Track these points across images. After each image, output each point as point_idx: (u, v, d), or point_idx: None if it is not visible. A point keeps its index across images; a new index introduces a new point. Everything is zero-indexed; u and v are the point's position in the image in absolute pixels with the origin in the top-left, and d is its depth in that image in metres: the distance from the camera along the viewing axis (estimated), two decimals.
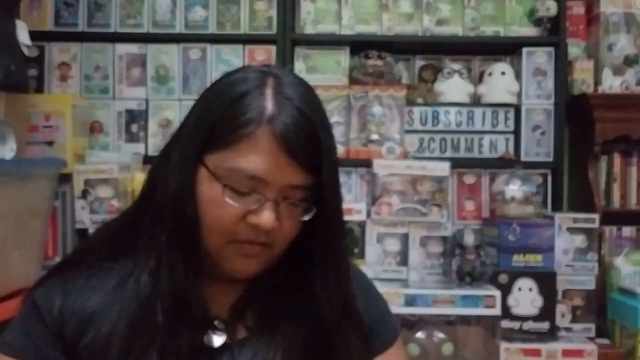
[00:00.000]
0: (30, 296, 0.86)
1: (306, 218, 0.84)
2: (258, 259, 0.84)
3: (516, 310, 2.06)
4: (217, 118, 0.81)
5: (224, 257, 0.83)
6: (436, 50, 2.48)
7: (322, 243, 0.85)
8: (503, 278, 2.07)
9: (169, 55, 2.39)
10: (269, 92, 0.81)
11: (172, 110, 2.38)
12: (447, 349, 2.04)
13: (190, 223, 0.82)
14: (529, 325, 2.06)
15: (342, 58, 2.40)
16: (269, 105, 0.80)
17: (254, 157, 0.79)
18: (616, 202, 2.36)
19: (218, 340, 0.85)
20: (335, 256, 0.87)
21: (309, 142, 0.80)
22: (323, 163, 0.81)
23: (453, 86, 2.37)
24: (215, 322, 0.85)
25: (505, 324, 2.04)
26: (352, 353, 0.87)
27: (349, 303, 0.88)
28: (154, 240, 0.84)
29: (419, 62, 2.51)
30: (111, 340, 0.81)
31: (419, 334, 2.04)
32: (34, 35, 1.95)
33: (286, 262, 0.87)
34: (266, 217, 0.80)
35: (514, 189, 2.19)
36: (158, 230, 0.83)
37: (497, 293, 2.01)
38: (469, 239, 2.13)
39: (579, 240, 2.18)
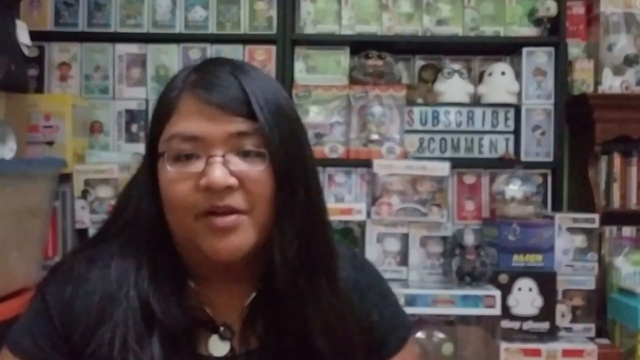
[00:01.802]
0: (41, 294, 0.85)
1: (262, 166, 0.79)
2: (237, 233, 0.79)
3: (516, 310, 2.06)
4: (158, 103, 0.84)
5: (199, 238, 0.80)
6: (436, 50, 2.48)
7: (288, 199, 0.80)
8: (503, 278, 2.07)
9: (169, 55, 2.39)
10: (195, 69, 0.84)
11: None
12: (447, 349, 2.04)
13: (153, 215, 0.82)
14: (529, 325, 2.06)
15: (342, 58, 2.40)
16: (191, 76, 0.82)
17: (183, 119, 0.80)
18: (616, 202, 2.36)
19: (222, 348, 0.84)
20: (295, 208, 0.81)
21: (233, 90, 0.80)
22: (252, 103, 0.79)
23: (453, 86, 2.37)
24: (221, 330, 0.84)
25: (505, 324, 2.04)
26: (359, 345, 0.85)
27: (311, 253, 0.82)
28: (132, 242, 0.85)
29: (419, 62, 2.51)
30: (115, 341, 0.80)
31: (419, 334, 2.04)
32: (34, 35, 1.95)
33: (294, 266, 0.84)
34: (214, 174, 0.77)
35: (514, 189, 2.19)
36: (131, 235, 0.85)
37: (497, 293, 2.01)
38: (469, 239, 2.13)
39: (579, 240, 2.18)
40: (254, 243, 0.81)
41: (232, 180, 0.77)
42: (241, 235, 0.79)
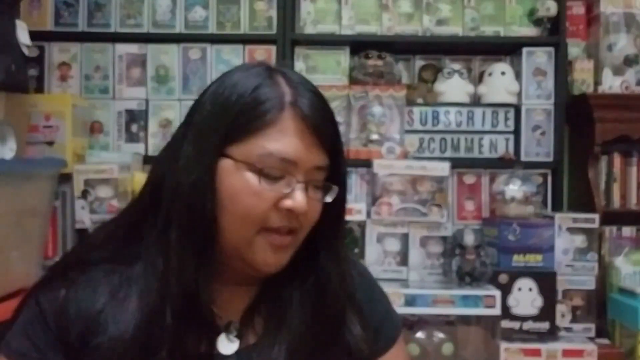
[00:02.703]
0: (33, 298, 0.85)
1: (329, 199, 0.85)
2: (286, 251, 0.85)
3: (516, 310, 2.06)
4: (238, 109, 0.81)
5: (254, 249, 0.82)
6: (436, 50, 2.48)
7: (334, 224, 0.88)
8: (503, 278, 2.07)
9: (169, 55, 2.39)
10: (281, 81, 0.84)
11: (172, 110, 2.38)
12: (447, 349, 2.04)
13: (207, 219, 0.81)
14: (529, 325, 2.06)
15: (342, 58, 2.40)
16: (286, 90, 0.83)
17: (284, 140, 0.81)
18: (616, 202, 2.36)
19: (231, 347, 0.84)
20: (341, 237, 0.91)
21: (329, 122, 0.85)
22: (338, 141, 0.86)
23: (453, 86, 2.37)
24: (232, 327, 0.85)
25: (505, 324, 2.04)
26: (355, 339, 0.87)
27: (351, 286, 0.90)
28: (162, 239, 0.82)
29: (419, 62, 2.51)
30: (119, 344, 0.79)
31: (419, 334, 2.04)
32: (34, 35, 1.95)
33: (297, 257, 0.87)
34: (299, 199, 0.81)
35: (514, 189, 2.19)
36: (167, 228, 0.82)
37: (497, 293, 2.01)
38: (469, 239, 2.13)
39: (579, 240, 2.18)
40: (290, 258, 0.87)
41: (308, 208, 0.83)
42: (289, 253, 0.86)
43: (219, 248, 0.83)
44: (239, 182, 0.81)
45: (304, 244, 0.87)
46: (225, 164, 0.81)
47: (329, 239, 0.88)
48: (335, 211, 0.88)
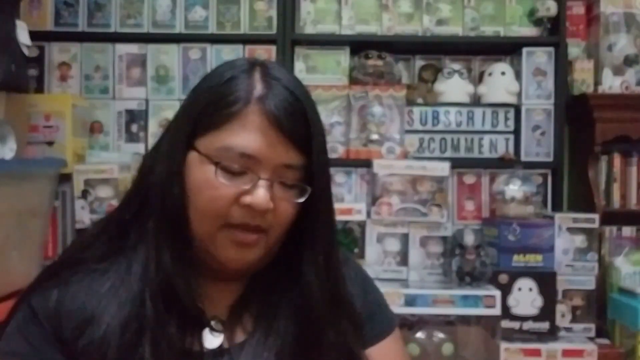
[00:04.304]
0: (25, 301, 0.85)
1: (301, 200, 0.83)
2: (252, 250, 0.83)
3: (516, 310, 2.06)
4: (206, 101, 0.82)
5: (217, 245, 0.82)
6: (436, 50, 2.48)
7: (313, 225, 0.85)
8: (503, 278, 2.07)
9: (169, 55, 2.39)
10: (256, 75, 0.82)
11: (172, 110, 2.36)
12: (447, 349, 2.04)
13: (177, 209, 0.81)
14: (529, 325, 2.06)
15: (342, 58, 2.40)
16: (258, 85, 0.81)
17: (245, 135, 0.80)
18: (616, 202, 2.36)
19: (214, 341, 0.84)
20: (325, 239, 0.86)
21: (299, 121, 0.81)
22: (313, 141, 0.82)
23: (453, 86, 2.37)
24: (213, 323, 0.85)
25: (505, 324, 2.04)
26: (343, 339, 0.86)
27: (338, 288, 0.88)
28: (142, 229, 0.83)
29: (419, 62, 2.51)
30: (109, 338, 0.80)
31: (419, 334, 2.04)
32: (34, 35, 1.95)
33: (282, 258, 0.87)
34: (260, 196, 0.79)
35: (514, 189, 2.19)
36: (147, 218, 0.83)
37: (497, 293, 2.01)
38: (469, 239, 2.13)
39: (579, 240, 2.18)
40: (261, 257, 0.85)
41: (271, 206, 0.80)
42: (255, 252, 0.83)
43: (197, 241, 0.83)
44: (201, 175, 0.81)
45: (290, 244, 0.86)
46: (192, 157, 0.82)
47: (311, 241, 0.85)
48: (316, 213, 0.84)
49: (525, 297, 2.06)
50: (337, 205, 2.28)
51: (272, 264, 0.87)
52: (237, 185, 0.80)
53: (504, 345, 2.02)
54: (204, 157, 0.80)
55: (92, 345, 0.80)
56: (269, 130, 0.79)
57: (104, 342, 0.79)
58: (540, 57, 2.37)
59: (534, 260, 2.09)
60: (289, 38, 2.36)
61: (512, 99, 2.36)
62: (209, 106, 0.81)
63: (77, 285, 0.84)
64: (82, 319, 0.81)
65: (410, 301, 2.00)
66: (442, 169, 2.22)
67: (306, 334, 0.84)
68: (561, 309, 2.13)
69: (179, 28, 2.40)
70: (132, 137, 2.38)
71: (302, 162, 0.82)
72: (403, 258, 2.23)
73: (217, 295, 0.87)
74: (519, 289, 2.06)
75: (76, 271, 0.85)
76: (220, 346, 0.84)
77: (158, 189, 0.83)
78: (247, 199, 0.80)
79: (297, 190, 0.83)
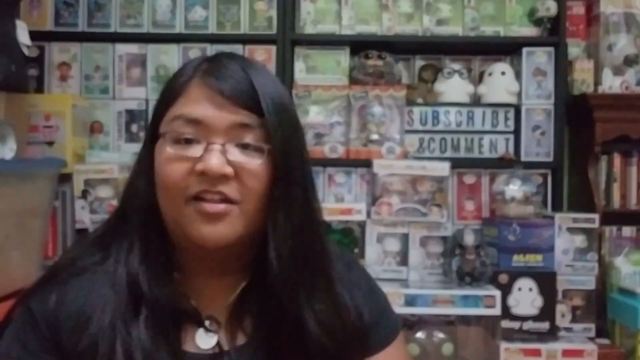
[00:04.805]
0: (24, 304, 0.84)
1: (259, 160, 0.80)
2: (225, 222, 0.80)
3: (516, 310, 2.06)
4: (164, 88, 0.86)
5: (187, 222, 0.80)
6: (436, 50, 2.48)
7: (276, 188, 0.81)
8: (503, 278, 2.07)
9: (169, 55, 2.39)
10: (207, 60, 0.85)
11: None
12: (447, 349, 2.04)
13: (146, 200, 0.83)
14: (529, 325, 2.06)
15: (342, 58, 2.40)
16: (203, 66, 0.84)
17: (190, 102, 0.81)
18: (616, 202, 2.36)
19: (209, 341, 0.84)
20: (291, 204, 0.82)
21: (244, 84, 0.82)
22: (261, 99, 0.81)
23: (453, 86, 2.37)
24: (207, 323, 0.84)
25: (505, 324, 2.04)
26: (315, 336, 0.82)
27: (306, 250, 0.83)
28: (126, 230, 0.85)
29: (419, 62, 2.51)
30: (97, 343, 0.79)
31: (419, 334, 2.04)
32: (34, 35, 1.95)
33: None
34: (212, 160, 0.78)
35: (514, 189, 2.19)
36: (128, 219, 0.85)
37: (497, 293, 2.01)
38: (469, 239, 2.13)
39: (579, 240, 2.18)
40: (240, 234, 0.81)
41: (228, 170, 0.79)
42: (229, 225, 0.80)
43: (169, 231, 0.84)
44: (159, 155, 0.82)
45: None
46: (157, 144, 0.83)
47: (284, 208, 0.81)
48: (285, 175, 0.81)
49: (525, 297, 2.06)
50: (337, 205, 2.29)
51: (280, 263, 0.81)
52: (190, 154, 0.80)
53: (504, 345, 2.02)
54: (161, 138, 0.82)
55: (87, 348, 0.80)
56: (214, 97, 0.80)
57: (92, 346, 0.79)
58: (540, 57, 2.37)
59: (534, 260, 2.09)
60: (289, 38, 2.36)
61: (512, 99, 2.36)
62: (162, 93, 0.85)
63: (76, 288, 0.84)
64: (81, 322, 0.81)
65: (410, 301, 2.00)
66: (442, 169, 2.22)
67: (311, 335, 0.82)
68: (561, 309, 2.13)
69: (179, 28, 2.40)
70: (132, 137, 2.38)
71: (256, 122, 0.81)
72: (403, 258, 2.23)
73: (211, 292, 0.86)
74: (519, 289, 2.06)
75: (75, 274, 0.85)
76: (220, 348, 0.84)
77: (130, 188, 0.86)
78: (200, 166, 0.79)
79: (257, 152, 0.81)
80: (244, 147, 0.80)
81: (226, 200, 0.79)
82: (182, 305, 0.83)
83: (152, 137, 0.84)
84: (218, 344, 0.84)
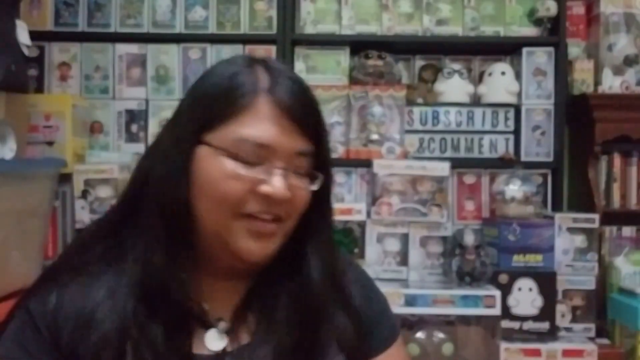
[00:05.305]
0: (23, 305, 0.84)
1: (314, 187, 0.85)
2: (271, 240, 0.83)
3: (516, 310, 2.06)
4: (213, 96, 0.82)
5: (235, 237, 0.81)
6: (436, 50, 2.48)
7: (319, 214, 0.87)
8: (503, 278, 2.07)
9: (169, 55, 2.39)
10: (259, 69, 0.84)
11: (172, 110, 2.37)
12: (447, 349, 2.04)
13: (182, 204, 0.81)
14: (529, 325, 2.06)
15: (342, 58, 2.40)
16: (263, 77, 0.83)
17: (259, 125, 0.80)
18: (616, 202, 2.36)
19: (219, 344, 0.83)
20: (329, 228, 0.89)
21: (308, 108, 0.84)
22: (321, 128, 0.84)
23: (453, 86, 2.37)
24: (218, 324, 0.84)
25: (505, 324, 2.04)
26: (343, 333, 0.86)
27: (339, 279, 0.89)
28: (141, 228, 0.83)
29: (419, 62, 2.51)
30: (101, 343, 0.79)
31: (419, 334, 2.04)
32: (34, 35, 1.95)
33: (283, 251, 0.86)
34: (278, 185, 0.80)
35: (514, 189, 2.19)
36: (148, 216, 0.82)
37: (497, 293, 2.01)
38: (469, 239, 2.13)
39: (579, 240, 2.18)
40: (277, 249, 0.85)
41: (289, 195, 0.81)
42: (274, 242, 0.84)
43: (200, 238, 0.83)
44: (215, 168, 0.81)
45: (292, 237, 0.86)
46: (202, 151, 0.81)
47: (315, 230, 0.87)
48: (321, 200, 0.86)
49: (525, 297, 2.06)
50: (337, 205, 2.29)
51: (276, 258, 0.86)
52: (254, 174, 0.80)
53: (504, 345, 2.02)
54: (217, 150, 0.80)
55: (88, 349, 0.79)
56: (281, 119, 0.81)
57: (99, 347, 0.79)
58: (540, 57, 2.37)
59: (534, 260, 2.09)
60: (289, 38, 2.36)
61: (512, 99, 2.36)
62: (216, 101, 0.82)
63: (75, 289, 0.83)
64: (80, 323, 0.81)
65: (410, 301, 2.00)
66: (442, 169, 2.22)
67: (306, 325, 0.84)
68: (561, 309, 2.13)
69: (179, 28, 2.40)
70: (132, 137, 2.38)
71: (312, 149, 0.84)
72: (403, 258, 2.23)
73: (221, 295, 0.86)
74: (519, 289, 2.06)
75: (74, 274, 0.84)
76: (224, 349, 0.84)
77: (158, 187, 0.82)
78: (264, 188, 0.80)
79: (309, 177, 0.84)
80: (299, 173, 0.83)
81: (276, 219, 0.82)
82: (196, 307, 0.82)
83: (195, 140, 0.82)
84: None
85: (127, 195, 0.88)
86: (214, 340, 0.83)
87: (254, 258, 0.83)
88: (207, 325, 0.84)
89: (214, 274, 0.86)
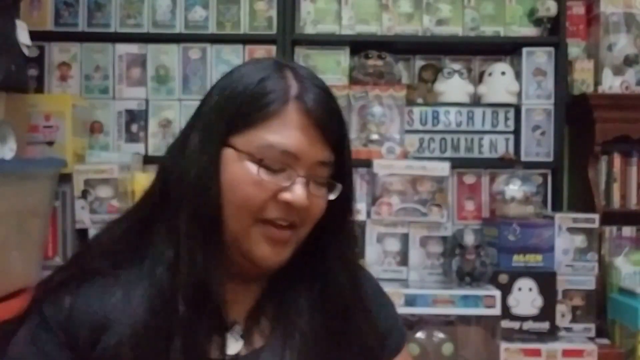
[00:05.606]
0: (37, 309, 0.83)
1: (332, 197, 0.85)
2: (285, 246, 0.84)
3: (516, 310, 2.06)
4: (242, 100, 0.82)
5: (251, 242, 0.82)
6: (436, 50, 2.48)
7: (341, 222, 0.88)
8: (503, 278, 2.07)
9: (169, 55, 2.39)
10: (289, 75, 0.84)
11: (172, 110, 2.38)
12: (447, 349, 2.04)
13: (213, 206, 0.81)
14: (529, 325, 2.06)
15: (342, 58, 2.40)
16: (293, 84, 0.83)
17: (286, 132, 0.81)
18: (616, 202, 2.36)
19: (235, 347, 0.83)
20: (351, 235, 0.90)
21: (334, 118, 0.85)
22: (345, 138, 0.86)
23: (453, 86, 2.37)
24: (235, 327, 0.84)
25: (505, 324, 2.04)
26: (365, 340, 0.87)
27: (360, 283, 0.90)
28: (172, 231, 0.81)
29: (419, 62, 2.51)
30: (130, 340, 0.78)
31: (419, 334, 2.04)
32: (34, 35, 1.95)
33: (298, 257, 0.86)
34: (299, 193, 0.80)
35: (514, 189, 2.19)
36: (176, 219, 0.81)
37: (497, 293, 2.01)
38: (469, 239, 2.13)
39: (579, 240, 2.18)
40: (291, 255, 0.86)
41: (308, 203, 0.82)
42: (289, 249, 0.84)
43: (224, 239, 0.82)
44: (239, 172, 0.81)
45: (310, 244, 0.86)
46: (228, 154, 0.81)
47: (335, 239, 0.87)
48: (340, 210, 0.87)
49: (525, 297, 2.06)
50: None
51: (289, 263, 0.86)
52: (277, 181, 0.81)
53: (504, 345, 2.02)
54: (243, 155, 0.81)
55: (106, 352, 0.79)
56: (309, 128, 0.81)
57: (119, 349, 0.78)
58: (540, 57, 2.37)
59: (534, 260, 2.09)
60: (289, 38, 2.36)
61: (512, 99, 2.36)
62: (244, 105, 0.81)
63: (89, 293, 0.82)
64: (96, 327, 0.80)
65: (410, 301, 2.00)
66: (442, 169, 2.22)
67: (329, 335, 0.84)
68: (561, 309, 2.13)
69: (179, 28, 2.40)
70: (132, 137, 2.38)
71: (333, 159, 0.84)
72: (403, 258, 2.23)
73: (236, 298, 0.85)
74: (519, 289, 2.06)
75: (89, 278, 0.83)
76: (237, 353, 0.83)
77: (189, 188, 0.81)
78: (286, 196, 0.80)
79: (328, 187, 0.85)
80: (318, 182, 0.84)
81: (291, 226, 0.83)
82: (221, 310, 0.82)
83: (221, 142, 0.81)
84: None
85: (149, 197, 0.87)
86: (230, 344, 0.83)
87: (268, 264, 0.83)
88: (224, 329, 0.83)
89: (231, 276, 0.85)
